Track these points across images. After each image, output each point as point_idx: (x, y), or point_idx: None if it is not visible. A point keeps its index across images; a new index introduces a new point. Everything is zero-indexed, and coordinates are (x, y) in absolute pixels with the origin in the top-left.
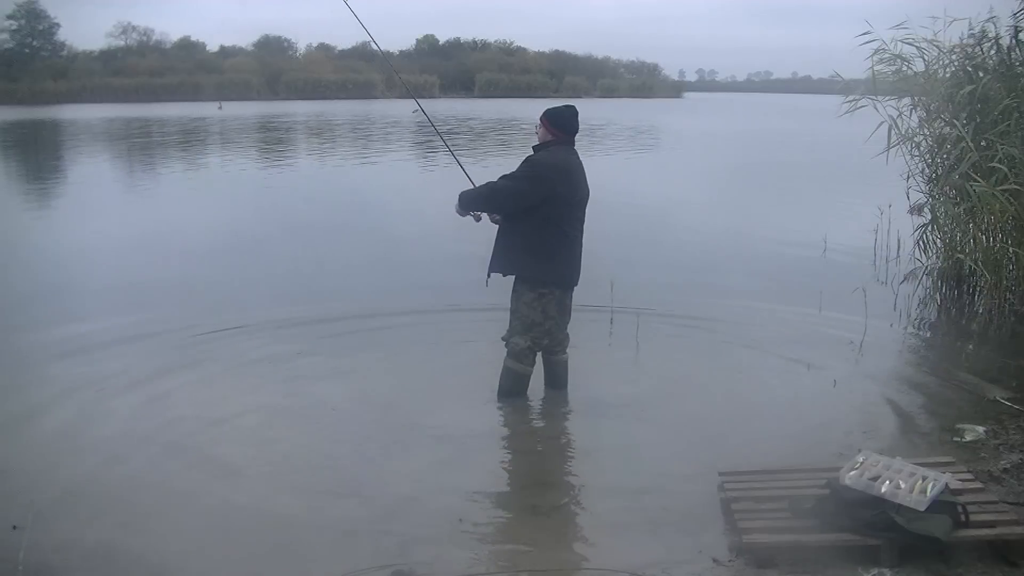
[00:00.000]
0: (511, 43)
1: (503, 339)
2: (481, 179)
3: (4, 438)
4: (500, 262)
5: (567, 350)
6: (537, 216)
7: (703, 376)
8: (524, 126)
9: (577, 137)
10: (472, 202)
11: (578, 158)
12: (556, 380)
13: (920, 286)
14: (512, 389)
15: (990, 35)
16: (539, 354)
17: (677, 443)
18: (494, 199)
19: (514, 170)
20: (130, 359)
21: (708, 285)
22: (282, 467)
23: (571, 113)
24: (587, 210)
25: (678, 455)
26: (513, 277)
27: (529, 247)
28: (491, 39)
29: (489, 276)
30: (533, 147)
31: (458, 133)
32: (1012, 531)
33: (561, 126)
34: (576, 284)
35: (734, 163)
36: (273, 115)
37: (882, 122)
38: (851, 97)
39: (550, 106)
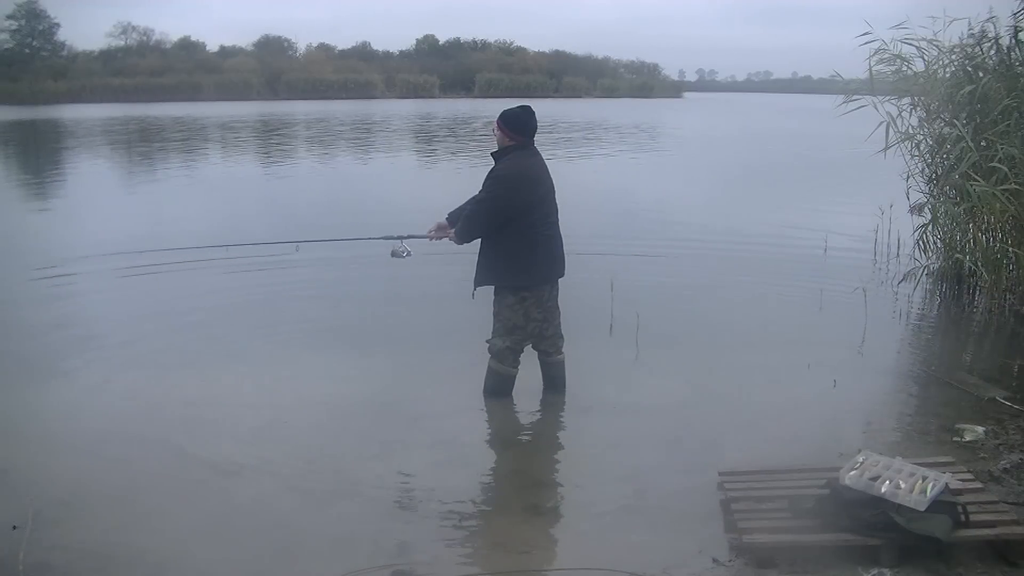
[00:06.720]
0: (511, 43)
1: (486, 341)
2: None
3: (4, 438)
4: (483, 275)
5: (563, 350)
6: (511, 226)
7: (703, 376)
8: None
9: (579, 136)
10: (466, 234)
11: (539, 158)
12: (554, 382)
13: (920, 286)
14: (495, 389)
15: (990, 35)
16: (536, 355)
17: (677, 443)
18: (476, 227)
19: (481, 191)
20: (133, 357)
21: (708, 284)
22: (282, 467)
23: (528, 115)
24: (587, 209)
25: (678, 455)
26: None
27: (508, 256)
28: (491, 39)
29: (475, 289)
30: (492, 153)
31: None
32: (1012, 531)
33: (519, 130)
34: (561, 276)
35: (735, 162)
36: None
37: (882, 122)
38: (850, 97)
39: (505, 108)
